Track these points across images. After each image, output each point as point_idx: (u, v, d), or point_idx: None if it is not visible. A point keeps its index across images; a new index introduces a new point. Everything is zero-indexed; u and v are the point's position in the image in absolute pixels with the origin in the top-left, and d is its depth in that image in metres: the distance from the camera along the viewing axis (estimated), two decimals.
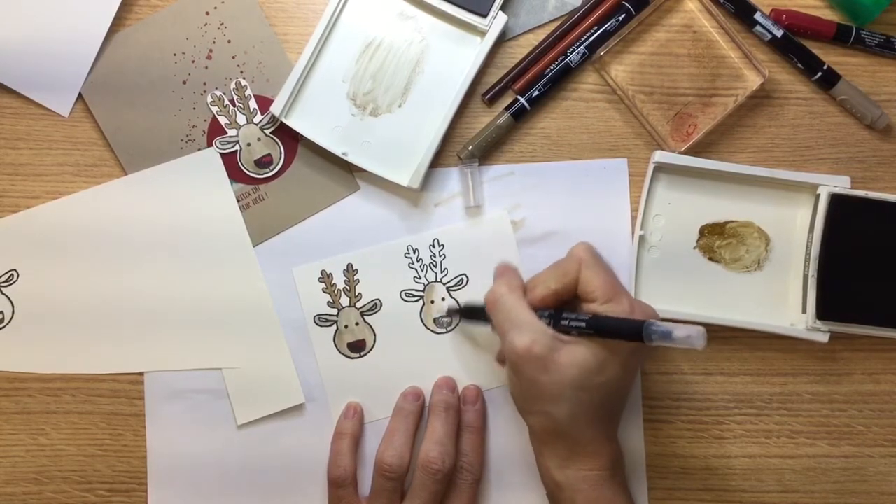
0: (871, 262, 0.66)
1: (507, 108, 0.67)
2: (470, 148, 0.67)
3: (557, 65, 0.67)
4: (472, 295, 0.67)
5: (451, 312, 0.67)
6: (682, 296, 0.67)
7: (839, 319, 0.65)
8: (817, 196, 0.66)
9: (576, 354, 0.55)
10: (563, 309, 0.58)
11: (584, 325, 0.55)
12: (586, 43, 0.67)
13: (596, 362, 0.55)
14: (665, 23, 0.68)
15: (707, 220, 0.67)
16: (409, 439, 0.65)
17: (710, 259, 0.67)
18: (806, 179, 0.66)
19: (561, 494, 0.58)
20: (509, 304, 0.58)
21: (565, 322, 0.56)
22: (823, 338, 0.65)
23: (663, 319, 0.54)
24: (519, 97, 0.67)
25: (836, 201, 0.65)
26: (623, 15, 0.67)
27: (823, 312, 0.64)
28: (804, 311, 0.65)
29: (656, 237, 0.67)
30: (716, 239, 0.67)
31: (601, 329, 0.55)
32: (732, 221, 0.67)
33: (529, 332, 0.56)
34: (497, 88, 0.68)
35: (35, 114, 0.67)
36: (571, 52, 0.67)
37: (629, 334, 0.54)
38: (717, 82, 0.67)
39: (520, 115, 0.67)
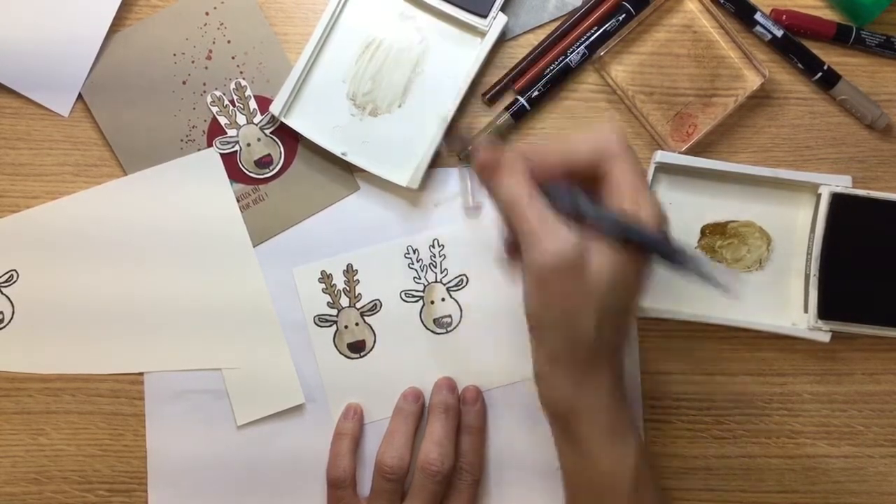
0: (873, 262, 0.64)
1: (507, 108, 0.65)
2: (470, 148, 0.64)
3: (557, 65, 0.65)
4: (473, 296, 0.65)
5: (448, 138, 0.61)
6: (684, 295, 0.64)
7: (841, 319, 0.63)
8: (818, 196, 0.64)
9: (603, 260, 0.48)
10: (579, 191, 0.50)
11: (611, 223, 0.48)
12: (586, 43, 0.65)
13: (621, 269, 0.48)
14: (665, 23, 0.66)
15: (708, 220, 0.65)
16: (408, 440, 0.63)
17: (712, 259, 0.65)
18: (807, 179, 0.64)
19: (575, 419, 0.51)
20: (535, 203, 0.49)
21: (587, 211, 0.49)
22: (825, 337, 0.63)
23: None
24: (519, 97, 0.65)
25: (838, 201, 0.63)
26: (623, 15, 0.65)
27: (825, 312, 0.63)
28: (806, 310, 0.63)
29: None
30: (717, 239, 0.65)
31: (632, 235, 0.48)
32: (734, 221, 0.65)
33: (560, 236, 0.48)
34: (497, 88, 0.65)
35: (35, 114, 0.65)
36: (571, 52, 0.65)
37: (665, 253, 0.48)
38: (717, 82, 0.65)
39: (520, 115, 0.65)
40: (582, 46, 0.65)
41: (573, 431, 0.52)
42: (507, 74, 0.66)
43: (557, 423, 0.53)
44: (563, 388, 0.51)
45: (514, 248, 0.52)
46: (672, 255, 0.48)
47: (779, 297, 0.65)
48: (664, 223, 0.50)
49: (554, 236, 0.48)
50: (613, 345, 0.51)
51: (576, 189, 0.50)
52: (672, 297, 0.64)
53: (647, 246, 0.49)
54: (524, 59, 0.66)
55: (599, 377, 0.51)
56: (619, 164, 0.49)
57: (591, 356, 0.50)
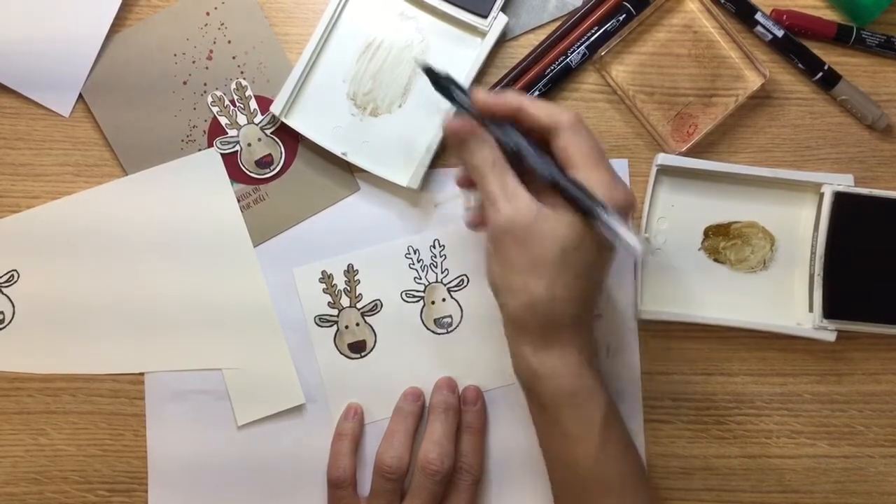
0: (877, 260, 0.61)
1: None
2: None
3: (558, 65, 0.62)
4: (473, 296, 0.62)
5: (425, 68, 0.53)
6: (688, 298, 0.62)
7: (846, 318, 0.60)
8: (821, 195, 0.61)
9: (557, 226, 0.49)
10: (522, 136, 0.51)
11: (546, 173, 0.50)
12: (587, 43, 0.62)
13: (575, 235, 0.49)
14: (665, 23, 0.63)
15: (711, 222, 0.62)
16: (408, 440, 0.60)
17: (716, 260, 0.62)
18: (810, 178, 0.61)
19: (539, 384, 0.52)
20: (498, 170, 0.51)
21: (526, 153, 0.50)
22: (830, 336, 0.60)
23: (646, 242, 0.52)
24: None
25: (840, 200, 0.60)
26: (623, 15, 0.62)
27: (830, 311, 0.60)
28: (811, 310, 0.60)
29: (661, 240, 0.62)
30: (720, 240, 0.62)
31: (560, 185, 0.49)
32: (737, 222, 0.62)
33: (517, 200, 0.50)
34: (497, 88, 0.62)
35: (35, 114, 0.62)
36: (572, 53, 0.62)
37: (581, 203, 0.49)
38: (718, 82, 0.62)
39: None
40: (582, 46, 0.62)
41: (538, 397, 0.52)
42: (507, 74, 0.62)
43: (525, 390, 0.53)
44: (525, 354, 0.52)
45: (478, 218, 0.56)
46: (589, 207, 0.48)
47: (783, 298, 0.62)
48: (625, 196, 0.50)
49: (513, 200, 0.50)
50: (573, 313, 0.51)
51: (520, 133, 0.51)
52: (677, 299, 0.61)
53: (569, 195, 0.49)
54: (524, 59, 0.62)
55: (560, 344, 0.51)
56: (569, 136, 0.50)
57: (549, 323, 0.51)
